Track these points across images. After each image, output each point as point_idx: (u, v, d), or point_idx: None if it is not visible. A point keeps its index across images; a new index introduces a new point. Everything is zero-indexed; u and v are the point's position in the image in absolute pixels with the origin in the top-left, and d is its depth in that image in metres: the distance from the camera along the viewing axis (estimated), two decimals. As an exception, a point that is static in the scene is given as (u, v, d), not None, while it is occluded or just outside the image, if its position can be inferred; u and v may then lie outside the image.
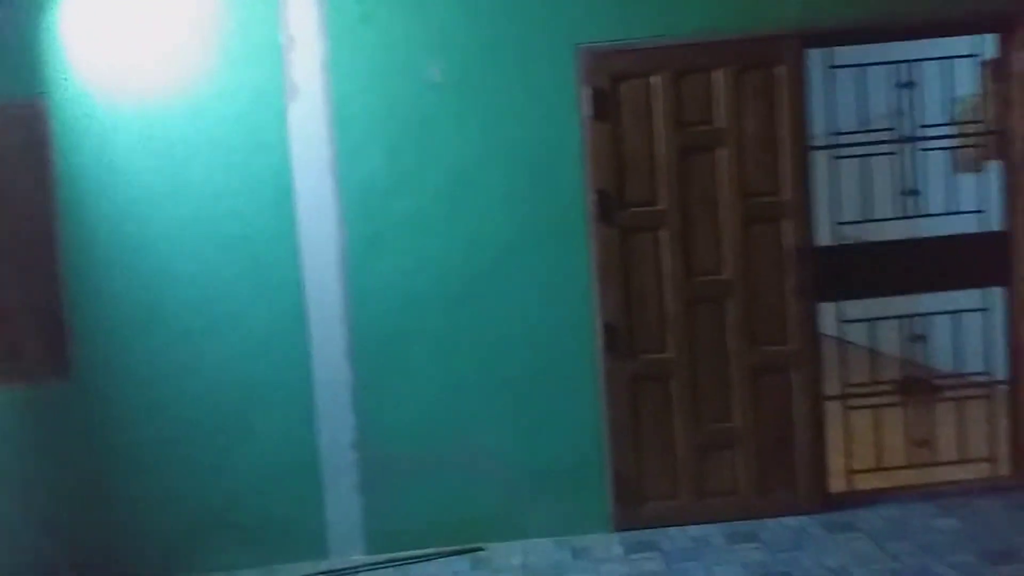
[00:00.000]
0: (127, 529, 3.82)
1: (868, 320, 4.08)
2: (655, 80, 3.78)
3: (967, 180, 4.57)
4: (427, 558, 3.72)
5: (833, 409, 3.97)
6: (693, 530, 3.74)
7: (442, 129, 3.74)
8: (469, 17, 3.72)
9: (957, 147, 4.44)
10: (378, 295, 3.76)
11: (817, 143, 3.93)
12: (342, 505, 3.82)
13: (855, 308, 4.04)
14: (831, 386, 3.96)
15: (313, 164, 3.73)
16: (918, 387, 4.14)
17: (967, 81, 4.20)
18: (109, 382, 3.74)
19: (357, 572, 3.67)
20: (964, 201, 4.21)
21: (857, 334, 4.12)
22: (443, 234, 3.76)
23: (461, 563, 3.66)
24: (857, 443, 4.01)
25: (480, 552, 3.74)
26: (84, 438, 3.75)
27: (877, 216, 4.08)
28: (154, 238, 3.72)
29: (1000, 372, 4.04)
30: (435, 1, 3.71)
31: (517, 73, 3.74)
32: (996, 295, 4.00)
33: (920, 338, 4.20)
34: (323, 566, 3.74)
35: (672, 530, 3.75)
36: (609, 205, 3.78)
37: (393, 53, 3.72)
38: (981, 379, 4.06)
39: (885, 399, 4.11)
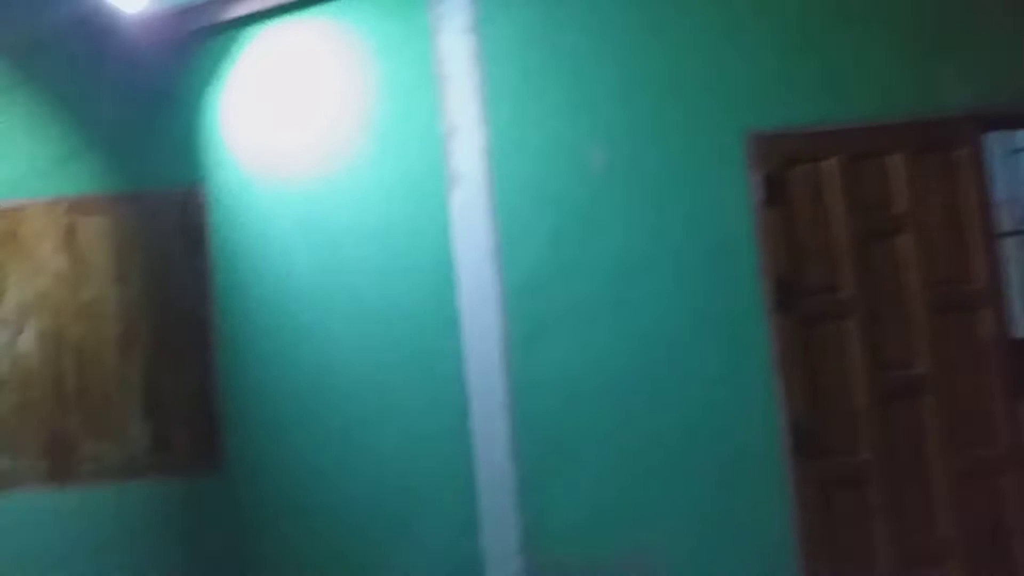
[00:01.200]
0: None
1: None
2: (828, 164, 3.63)
3: None
4: None
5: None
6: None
7: (607, 217, 3.63)
8: (633, 102, 3.67)
9: None
10: (543, 388, 3.54)
11: (1003, 229, 3.69)
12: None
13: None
14: (1048, 494, 3.52)
15: (474, 253, 3.62)
16: None
17: None
18: (261, 477, 3.55)
19: None
20: None
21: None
22: (610, 325, 3.57)
23: None
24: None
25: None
26: (232, 535, 3.54)
27: (1077, 306, 3.76)
28: (311, 327, 3.61)
29: None
30: (598, 87, 3.68)
31: (683, 158, 3.64)
32: None
33: None
34: None
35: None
36: (787, 294, 3.55)
37: (555, 140, 3.67)
38: None
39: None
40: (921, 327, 3.50)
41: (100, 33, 3.57)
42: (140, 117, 3.68)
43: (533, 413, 3.52)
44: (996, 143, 3.76)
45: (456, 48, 3.66)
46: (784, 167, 3.62)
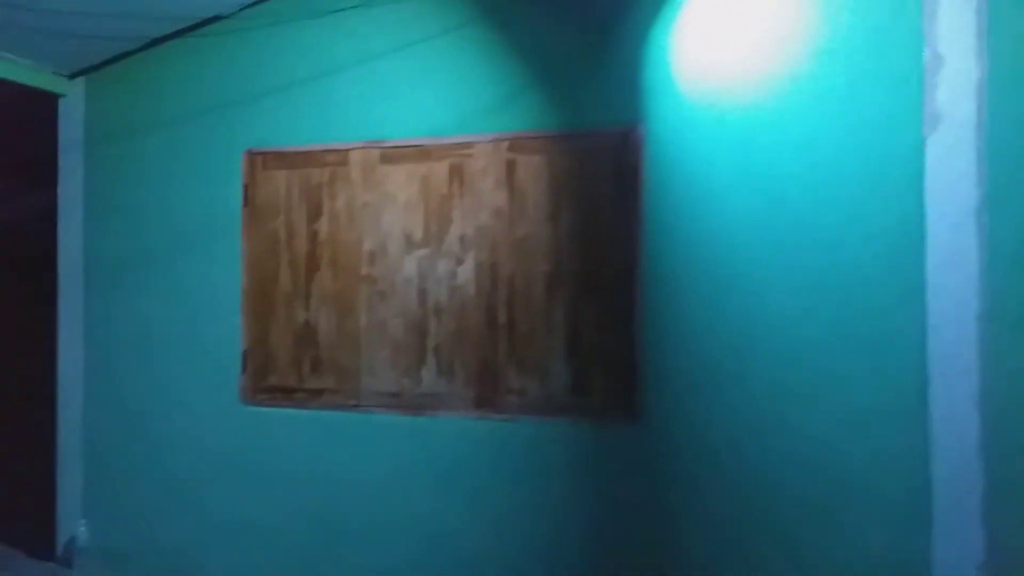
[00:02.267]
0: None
1: None
2: None
3: None
4: None
5: None
6: None
7: None
8: None
9: None
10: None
11: None
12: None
13: None
14: None
15: (952, 210, 3.04)
16: None
17: None
18: (677, 433, 3.38)
19: None
20: None
21: None
22: None
23: None
24: None
25: None
26: (644, 485, 3.43)
27: None
28: (742, 282, 3.32)
29: None
30: None
31: None
32: None
33: None
34: None
35: None
36: None
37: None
38: None
39: None
40: None
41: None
42: (585, 55, 3.61)
43: (1010, 407, 2.91)
44: None
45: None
46: None
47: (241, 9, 4.17)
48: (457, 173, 3.82)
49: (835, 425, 3.19)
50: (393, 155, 3.93)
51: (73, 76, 4.60)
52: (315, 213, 4.09)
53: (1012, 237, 2.97)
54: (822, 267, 3.24)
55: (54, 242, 4.72)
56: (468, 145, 3.79)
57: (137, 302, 4.45)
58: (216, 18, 4.24)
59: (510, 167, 3.73)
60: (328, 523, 4.03)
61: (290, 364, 4.13)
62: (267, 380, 4.18)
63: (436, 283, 3.86)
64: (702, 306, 3.40)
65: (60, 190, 4.65)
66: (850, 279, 3.21)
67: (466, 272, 3.80)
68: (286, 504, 4.12)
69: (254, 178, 4.20)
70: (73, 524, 4.56)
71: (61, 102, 4.65)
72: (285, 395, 4.13)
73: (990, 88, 3.01)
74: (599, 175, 3.58)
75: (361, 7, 3.98)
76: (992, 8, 2.98)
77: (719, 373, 3.36)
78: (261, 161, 4.19)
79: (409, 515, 3.87)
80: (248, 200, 4.21)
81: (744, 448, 3.31)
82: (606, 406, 3.54)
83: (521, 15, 3.73)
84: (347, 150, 4.01)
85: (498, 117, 3.74)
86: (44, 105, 4.71)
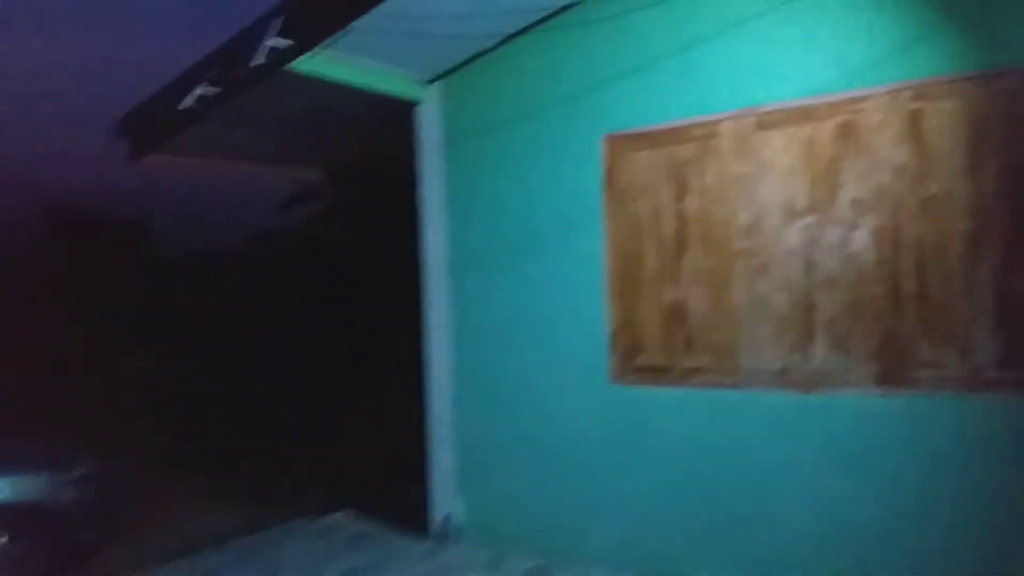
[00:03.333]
0: None
1: None
2: None
3: None
4: None
5: None
6: None
7: None
8: None
9: None
10: None
11: None
12: None
13: None
14: None
15: None
16: None
17: None
18: None
19: None
20: None
21: None
22: None
23: None
24: None
25: None
26: None
27: None
28: None
29: None
30: None
31: None
32: None
33: None
34: None
35: None
36: None
37: None
38: None
39: None
40: None
41: None
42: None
43: None
44: None
45: None
46: None
47: (593, -6, 4.21)
48: (846, 132, 3.55)
49: None
50: (769, 121, 3.74)
51: (431, 81, 4.90)
52: (681, 190, 4.01)
53: None
54: None
55: (413, 242, 5.05)
56: (859, 100, 3.51)
57: (501, 291, 4.62)
58: (567, 7, 4.31)
59: (914, 119, 3.39)
60: (709, 502, 3.90)
61: (660, 343, 4.07)
62: (636, 360, 4.14)
63: (825, 253, 3.61)
64: None
65: (423, 191, 4.96)
66: None
67: (862, 238, 3.51)
68: (661, 482, 4.05)
69: (615, 161, 4.21)
70: (448, 503, 4.82)
71: (418, 108, 4.98)
72: (656, 374, 4.07)
73: None
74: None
75: (725, -27, 3.85)
76: None
77: None
78: (622, 144, 4.18)
79: (804, 498, 3.63)
80: (610, 183, 4.22)
81: None
82: (1052, 379, 3.09)
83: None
84: (716, 122, 3.89)
85: (896, 66, 3.42)
86: (402, 112, 5.07)
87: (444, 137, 4.89)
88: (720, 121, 3.87)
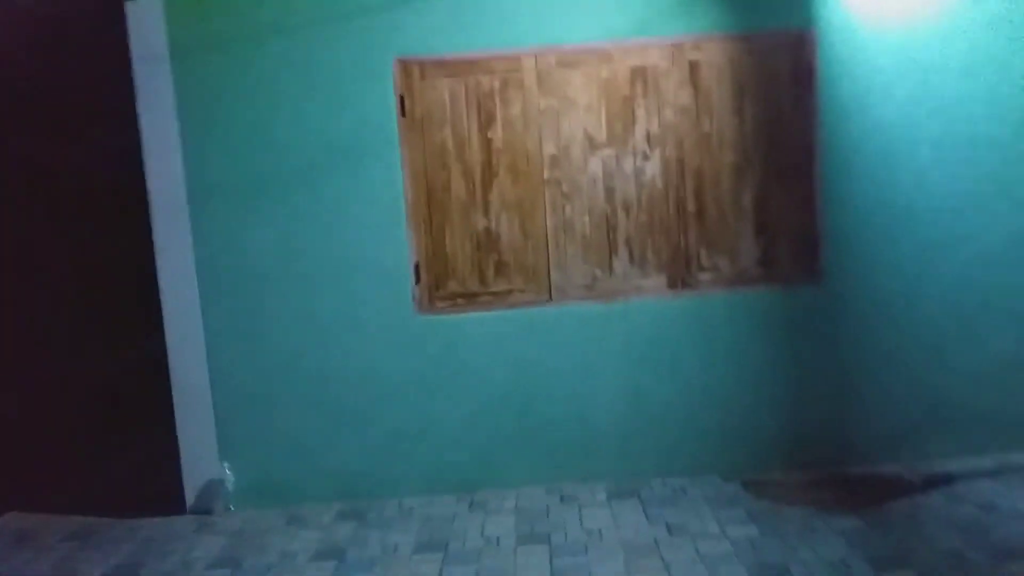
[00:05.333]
0: (845, 419, 4.22)
1: None
2: None
3: None
4: None
5: None
6: None
7: None
8: None
9: None
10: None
11: None
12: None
13: None
14: None
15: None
16: None
17: None
18: (856, 287, 4.15)
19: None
20: None
21: None
22: None
23: None
24: None
25: None
26: (825, 338, 4.20)
27: None
28: (906, 156, 4.08)
29: None
30: None
31: None
32: None
33: None
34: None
35: None
36: None
37: None
38: None
39: None
40: None
41: None
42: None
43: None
44: None
45: None
46: None
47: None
48: (638, 75, 4.11)
49: (978, 261, 4.13)
50: (570, 60, 4.10)
51: (152, -21, 4.07)
52: (487, 121, 4.15)
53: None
54: (965, 137, 4.09)
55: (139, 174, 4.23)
56: (649, 47, 4.09)
57: (272, 228, 4.20)
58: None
59: (693, 67, 4.09)
60: (522, 413, 4.27)
61: (470, 270, 4.23)
62: (446, 288, 4.24)
63: (623, 180, 4.17)
64: (871, 182, 4.13)
65: (141, 110, 4.15)
66: (985, 148, 4.09)
67: (653, 167, 4.15)
68: (474, 402, 4.27)
69: (411, 88, 4.13)
70: (209, 469, 4.32)
71: (129, 6, 4.10)
72: (467, 300, 4.24)
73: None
74: (778, 73, 4.09)
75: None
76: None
77: (888, 233, 4.13)
78: (419, 70, 4.12)
79: (611, 394, 4.25)
80: (406, 111, 4.14)
81: (908, 289, 4.15)
82: (791, 273, 4.17)
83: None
84: (518, 56, 4.10)
85: (679, 20, 4.06)
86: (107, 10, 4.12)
87: (174, 46, 4.13)
88: (523, 56, 4.10)
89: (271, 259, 4.22)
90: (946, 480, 3.90)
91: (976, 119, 4.06)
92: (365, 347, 4.27)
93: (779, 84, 4.11)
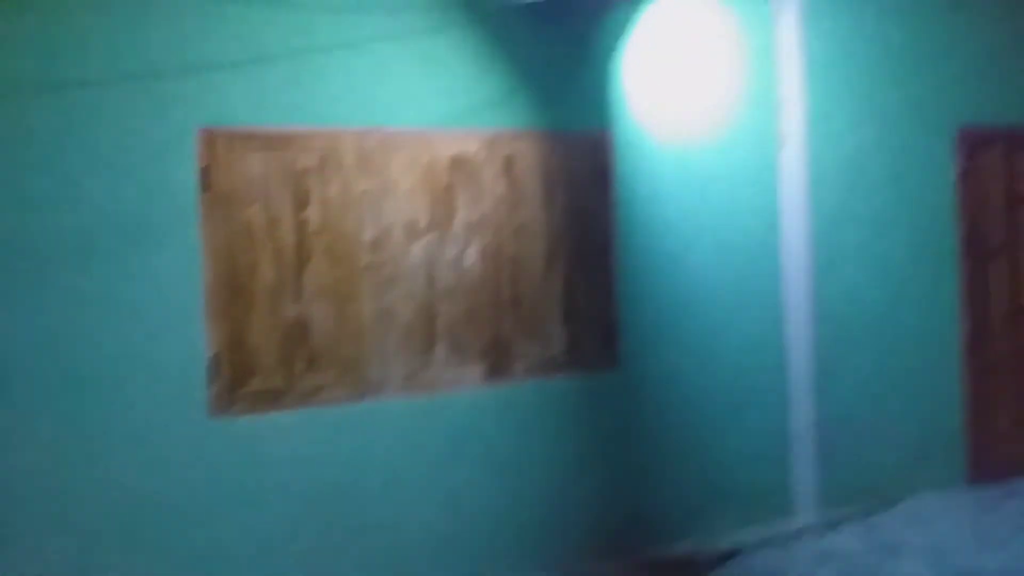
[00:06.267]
0: (645, 501, 4.52)
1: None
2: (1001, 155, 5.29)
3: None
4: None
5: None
6: None
7: (867, 182, 4.97)
8: (892, 98, 5.01)
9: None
10: (836, 303, 4.85)
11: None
12: (804, 470, 4.79)
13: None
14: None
15: (794, 197, 4.78)
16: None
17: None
18: (647, 372, 4.52)
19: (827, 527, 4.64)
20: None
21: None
22: (870, 259, 4.96)
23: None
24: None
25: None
26: (624, 423, 4.52)
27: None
28: (689, 252, 4.55)
29: None
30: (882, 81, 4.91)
31: (919, 143, 5.04)
32: None
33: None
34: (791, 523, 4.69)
35: None
36: (969, 242, 5.19)
37: (852, 115, 4.88)
38: None
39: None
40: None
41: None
42: (566, 65, 4.28)
43: (828, 322, 4.82)
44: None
45: (787, 32, 4.71)
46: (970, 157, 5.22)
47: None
48: (460, 163, 4.08)
49: (736, 348, 4.73)
50: (393, 143, 3.94)
51: None
52: (303, 201, 3.81)
53: (824, 208, 4.84)
54: (728, 240, 4.69)
55: None
56: (469, 137, 4.08)
57: (38, 315, 3.39)
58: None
59: (508, 160, 4.17)
60: (333, 523, 3.89)
61: (277, 364, 3.79)
62: (248, 386, 3.74)
63: (443, 267, 4.07)
64: (659, 273, 4.53)
65: None
66: (742, 246, 4.74)
67: (472, 255, 4.12)
68: (277, 518, 3.79)
69: (216, 161, 3.65)
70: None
71: None
72: (273, 399, 3.78)
73: (811, 120, 4.81)
74: (582, 170, 4.34)
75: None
76: (811, 65, 4.75)
77: (670, 321, 4.55)
78: (227, 142, 3.66)
79: (428, 495, 4.04)
80: (209, 185, 3.64)
81: (689, 372, 4.61)
82: (594, 359, 4.38)
83: (508, 25, 4.17)
84: (340, 135, 3.84)
85: (496, 114, 4.13)
86: None
87: None
88: (344, 135, 3.86)
89: (30, 353, 3.40)
90: (733, 554, 4.31)
91: (741, 224, 4.67)
92: (144, 459, 3.58)
93: (583, 180, 4.37)
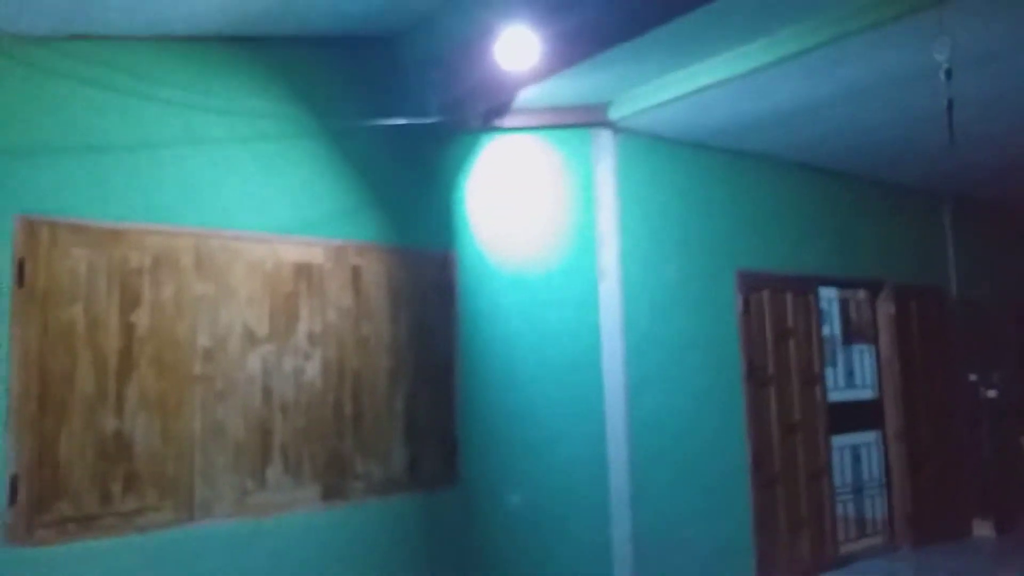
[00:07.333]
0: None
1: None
2: (764, 295, 6.10)
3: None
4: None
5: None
6: None
7: (676, 309, 5.49)
8: (694, 242, 5.63)
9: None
10: (646, 422, 5.19)
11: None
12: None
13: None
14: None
15: (612, 323, 5.14)
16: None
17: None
18: (484, 489, 4.49)
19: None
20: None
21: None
22: (675, 381, 5.41)
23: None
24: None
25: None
26: (463, 541, 4.43)
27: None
28: (522, 370, 4.67)
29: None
30: (678, 226, 5.54)
31: (711, 280, 5.69)
32: None
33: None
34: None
35: None
36: (750, 370, 5.85)
37: (658, 254, 5.40)
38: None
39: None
40: (795, 394, 6.11)
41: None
42: (413, 185, 4.36)
43: (640, 437, 5.12)
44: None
45: (605, 177, 5.19)
46: (747, 296, 5.96)
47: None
48: (305, 272, 3.94)
49: (565, 462, 4.89)
50: (233, 247, 3.74)
51: None
52: (132, 302, 3.46)
53: (635, 339, 5.25)
54: (557, 359, 4.92)
55: None
56: (315, 246, 3.98)
57: None
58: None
59: (355, 271, 4.09)
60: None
61: (92, 484, 3.30)
62: (54, 510, 3.20)
63: (282, 380, 3.83)
64: (496, 390, 4.61)
65: None
66: (570, 365, 5.00)
67: (314, 368, 3.92)
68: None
69: (35, 253, 3.25)
70: None
71: None
72: (84, 524, 3.26)
73: (624, 256, 5.27)
74: (427, 285, 4.35)
75: (192, 91, 3.69)
76: (624, 207, 5.24)
77: (506, 439, 4.63)
78: (49, 233, 3.28)
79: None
80: (25, 280, 3.21)
81: (520, 485, 4.67)
82: (434, 477, 4.25)
83: (359, 142, 4.21)
84: (177, 234, 3.59)
85: (344, 225, 4.08)
86: None
87: None
88: (181, 235, 3.61)
89: None
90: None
91: (569, 345, 4.90)
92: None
93: (428, 295, 4.40)
